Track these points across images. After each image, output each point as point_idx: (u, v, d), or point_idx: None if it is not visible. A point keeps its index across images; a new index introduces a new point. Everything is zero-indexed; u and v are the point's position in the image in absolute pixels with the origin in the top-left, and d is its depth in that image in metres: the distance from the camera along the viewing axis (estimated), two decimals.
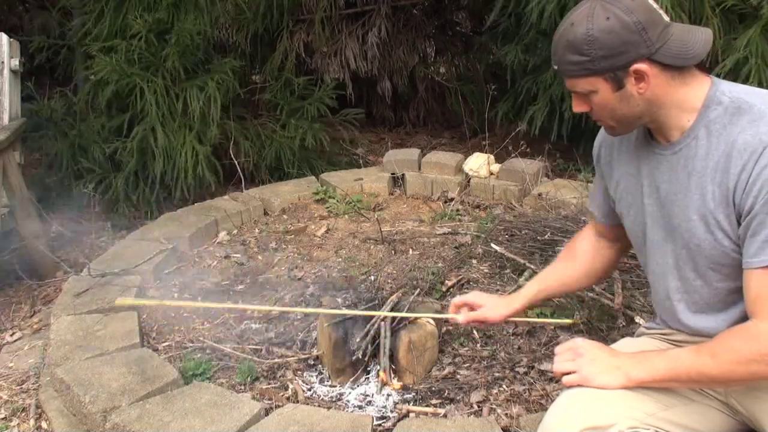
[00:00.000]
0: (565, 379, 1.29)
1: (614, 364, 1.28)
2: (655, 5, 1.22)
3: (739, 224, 1.20)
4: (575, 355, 1.31)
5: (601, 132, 1.48)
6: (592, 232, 1.64)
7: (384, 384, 1.96)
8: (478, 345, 2.17)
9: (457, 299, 1.71)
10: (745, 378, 1.20)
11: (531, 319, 2.05)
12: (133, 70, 3.39)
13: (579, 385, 1.28)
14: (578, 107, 1.31)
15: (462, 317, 1.68)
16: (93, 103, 3.70)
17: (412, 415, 1.85)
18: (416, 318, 2.02)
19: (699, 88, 1.25)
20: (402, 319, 2.05)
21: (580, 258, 1.64)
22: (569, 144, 3.91)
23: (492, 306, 1.65)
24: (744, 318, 1.24)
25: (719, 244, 1.24)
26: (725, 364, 1.19)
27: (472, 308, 1.68)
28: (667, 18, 1.22)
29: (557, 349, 1.35)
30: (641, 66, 1.19)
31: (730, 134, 1.19)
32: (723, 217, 1.22)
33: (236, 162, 3.62)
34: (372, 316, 2.06)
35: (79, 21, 3.93)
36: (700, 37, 1.22)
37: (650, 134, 1.34)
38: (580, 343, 1.33)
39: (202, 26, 3.49)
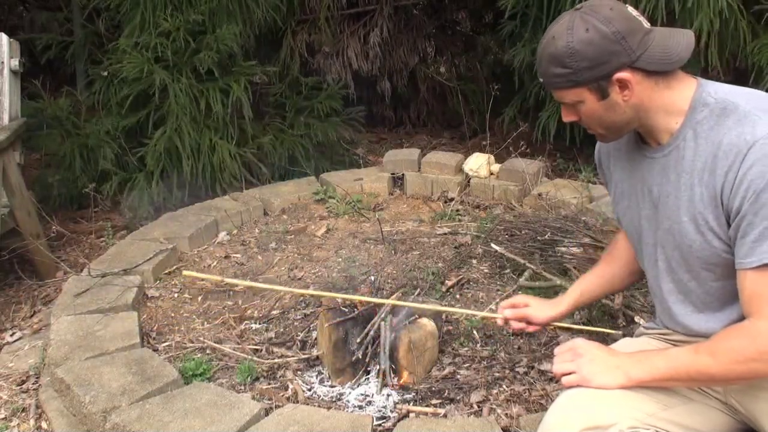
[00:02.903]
0: (565, 380, 1.30)
1: (613, 364, 1.28)
2: (634, 12, 1.23)
3: (729, 225, 1.21)
4: (574, 355, 1.31)
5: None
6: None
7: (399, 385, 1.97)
8: (478, 345, 2.17)
9: (505, 302, 1.69)
10: (745, 376, 1.20)
11: (574, 326, 1.94)
12: (157, 67, 3.40)
13: (579, 386, 1.28)
14: (567, 117, 1.33)
15: (509, 312, 1.66)
16: (103, 101, 3.69)
17: (412, 415, 1.85)
18: (461, 314, 1.99)
19: (685, 90, 1.26)
20: (402, 318, 2.05)
21: (620, 257, 1.63)
22: (570, 144, 3.90)
23: (537, 306, 1.64)
24: (742, 317, 1.25)
25: (709, 245, 1.24)
26: (724, 363, 1.19)
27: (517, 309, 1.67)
28: (647, 24, 1.23)
29: (557, 350, 1.36)
30: (624, 75, 1.20)
31: (717, 135, 1.20)
32: (712, 218, 1.22)
33: (244, 161, 3.66)
34: (371, 317, 2.06)
35: (79, 15, 3.94)
36: (683, 40, 1.23)
37: (641, 138, 1.35)
38: (579, 343, 1.33)
39: (238, 33, 3.52)
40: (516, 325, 1.67)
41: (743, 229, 1.17)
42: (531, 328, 1.66)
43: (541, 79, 1.30)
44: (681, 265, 1.31)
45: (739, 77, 3.19)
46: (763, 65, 3.00)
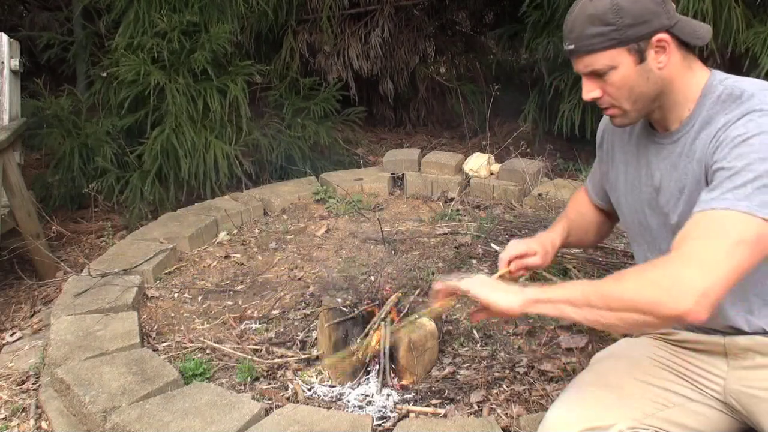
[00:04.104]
0: (473, 317, 1.31)
1: (503, 288, 1.25)
2: None
3: None
4: (462, 292, 1.30)
5: (605, 117, 1.47)
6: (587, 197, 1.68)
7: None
8: (478, 345, 2.17)
9: (504, 255, 1.55)
10: (641, 307, 1.10)
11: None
12: (153, 68, 3.39)
13: (487, 315, 1.28)
14: (590, 91, 1.28)
15: (514, 266, 1.53)
16: (103, 101, 3.68)
17: (412, 415, 1.85)
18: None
19: (700, 76, 1.28)
20: (402, 318, 2.05)
21: (587, 214, 1.68)
22: (570, 144, 3.90)
23: (535, 250, 1.53)
24: (739, 306, 1.26)
25: None
26: (627, 287, 1.12)
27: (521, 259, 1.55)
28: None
29: (435, 285, 1.35)
30: (664, 35, 1.22)
31: (718, 120, 1.22)
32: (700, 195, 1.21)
33: (244, 161, 3.65)
34: (371, 317, 2.06)
35: (79, 15, 3.94)
36: (703, 26, 1.27)
37: (650, 125, 1.36)
38: (463, 283, 1.30)
39: (230, 31, 3.52)
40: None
41: (711, 186, 1.16)
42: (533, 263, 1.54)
43: (570, 47, 1.26)
44: None
45: (734, 65, 3.18)
46: (757, 52, 3.00)
